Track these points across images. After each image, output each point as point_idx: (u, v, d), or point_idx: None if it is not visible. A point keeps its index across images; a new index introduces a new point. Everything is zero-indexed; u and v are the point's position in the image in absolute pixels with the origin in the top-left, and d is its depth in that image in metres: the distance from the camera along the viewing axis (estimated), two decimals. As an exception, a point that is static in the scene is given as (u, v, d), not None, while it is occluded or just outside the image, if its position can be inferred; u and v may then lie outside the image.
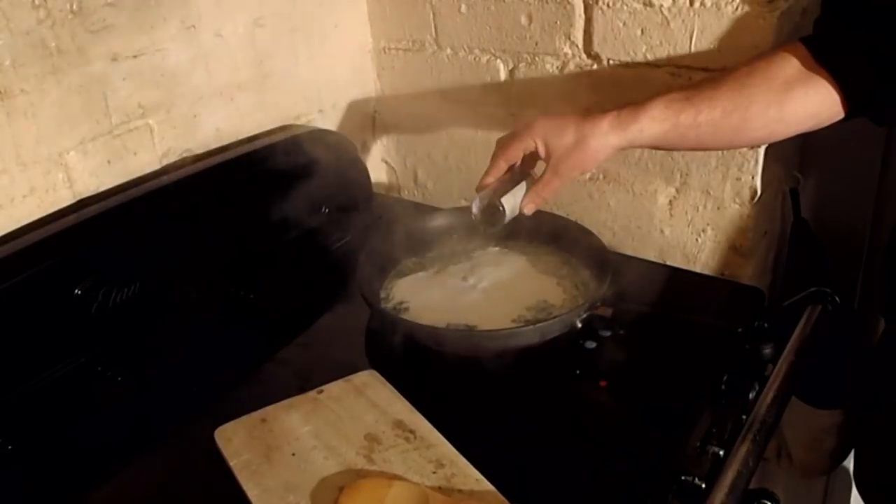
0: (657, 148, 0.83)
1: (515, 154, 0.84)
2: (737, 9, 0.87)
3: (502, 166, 0.85)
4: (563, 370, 0.81)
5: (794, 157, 1.06)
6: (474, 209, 0.87)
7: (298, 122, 1.15)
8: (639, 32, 0.95)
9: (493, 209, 0.85)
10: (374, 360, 0.84)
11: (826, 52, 0.74)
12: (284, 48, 1.11)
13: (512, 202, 0.85)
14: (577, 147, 0.80)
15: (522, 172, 0.87)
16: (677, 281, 0.97)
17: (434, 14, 1.13)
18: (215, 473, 0.69)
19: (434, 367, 0.83)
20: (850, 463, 1.04)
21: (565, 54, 1.03)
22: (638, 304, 0.87)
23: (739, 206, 0.98)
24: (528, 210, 0.86)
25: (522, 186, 0.86)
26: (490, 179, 0.85)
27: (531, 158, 0.85)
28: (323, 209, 1.06)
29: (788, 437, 1.03)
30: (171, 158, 0.99)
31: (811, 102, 0.75)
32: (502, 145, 0.84)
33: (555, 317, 0.82)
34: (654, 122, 0.78)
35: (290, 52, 1.12)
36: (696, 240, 1.03)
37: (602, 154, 0.80)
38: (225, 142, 1.05)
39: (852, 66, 0.73)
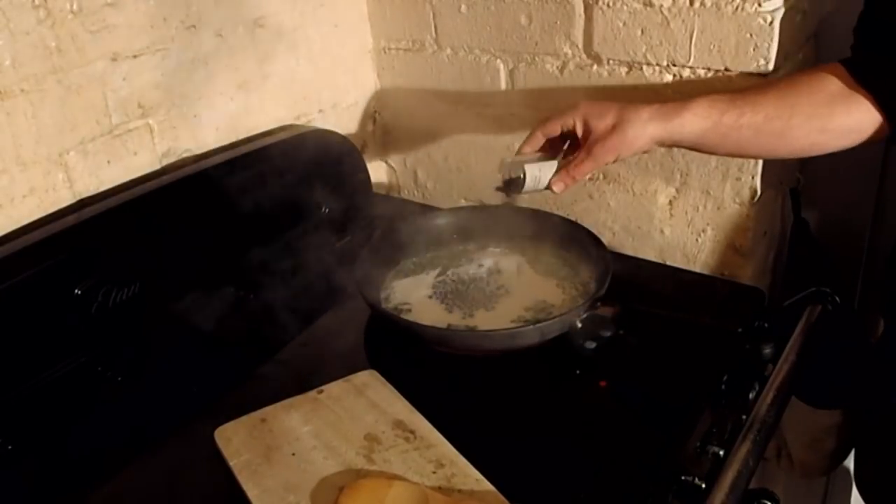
0: (695, 148, 0.82)
1: (553, 128, 0.84)
2: (737, 9, 0.87)
3: (539, 137, 0.85)
4: (563, 370, 0.81)
5: (794, 157, 1.06)
6: (500, 171, 0.86)
7: (298, 122, 1.15)
8: (639, 32, 0.95)
9: (514, 175, 0.85)
10: (374, 360, 0.84)
11: (866, 74, 0.74)
12: (284, 48, 1.11)
13: (535, 173, 0.84)
14: (614, 131, 0.79)
15: (563, 152, 0.86)
16: (677, 281, 0.97)
17: (434, 14, 1.13)
18: (215, 473, 0.69)
19: (434, 368, 0.83)
20: (850, 463, 1.04)
21: (565, 54, 1.03)
22: (638, 304, 0.87)
23: (739, 206, 0.98)
24: (557, 188, 0.84)
25: (554, 164, 0.85)
26: (527, 149, 0.85)
27: (574, 141, 0.85)
28: (323, 209, 1.06)
29: (788, 437, 1.03)
30: (171, 158, 0.99)
31: (852, 119, 0.75)
32: (543, 119, 0.85)
33: (555, 317, 0.82)
34: (697, 118, 0.78)
35: (290, 52, 1.12)
36: (696, 240, 1.03)
37: (638, 142, 0.79)
38: (225, 142, 1.05)
39: (892, 90, 0.73)
